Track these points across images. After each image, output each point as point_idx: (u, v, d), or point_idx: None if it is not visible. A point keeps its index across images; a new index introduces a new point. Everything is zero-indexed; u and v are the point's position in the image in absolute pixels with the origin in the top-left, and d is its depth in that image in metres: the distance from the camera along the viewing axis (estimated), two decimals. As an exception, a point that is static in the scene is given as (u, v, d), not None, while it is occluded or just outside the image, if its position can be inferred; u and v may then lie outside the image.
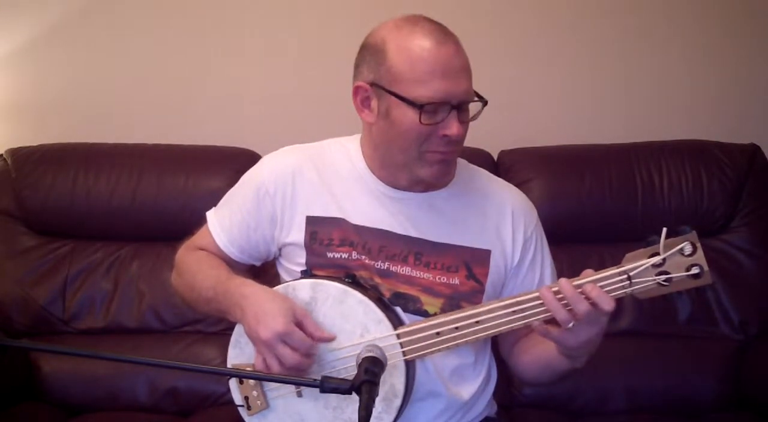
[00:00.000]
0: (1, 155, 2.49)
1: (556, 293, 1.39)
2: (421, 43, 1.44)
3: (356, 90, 1.52)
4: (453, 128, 1.44)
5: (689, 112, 2.70)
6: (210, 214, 1.69)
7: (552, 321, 1.42)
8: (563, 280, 1.39)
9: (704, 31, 2.69)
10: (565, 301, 1.37)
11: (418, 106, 1.43)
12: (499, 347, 1.69)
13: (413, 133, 1.45)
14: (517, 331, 1.51)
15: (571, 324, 1.38)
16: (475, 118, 1.50)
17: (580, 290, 1.38)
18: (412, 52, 1.44)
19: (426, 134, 1.45)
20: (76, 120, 2.69)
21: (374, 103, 1.50)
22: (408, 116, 1.44)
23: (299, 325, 1.44)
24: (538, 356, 1.57)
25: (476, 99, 1.48)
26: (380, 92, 1.47)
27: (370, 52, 1.49)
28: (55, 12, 2.67)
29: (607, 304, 1.36)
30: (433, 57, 1.43)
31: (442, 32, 1.46)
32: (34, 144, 2.50)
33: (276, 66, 2.71)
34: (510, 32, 2.70)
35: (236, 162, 2.36)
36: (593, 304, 1.36)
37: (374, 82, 1.48)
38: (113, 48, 2.70)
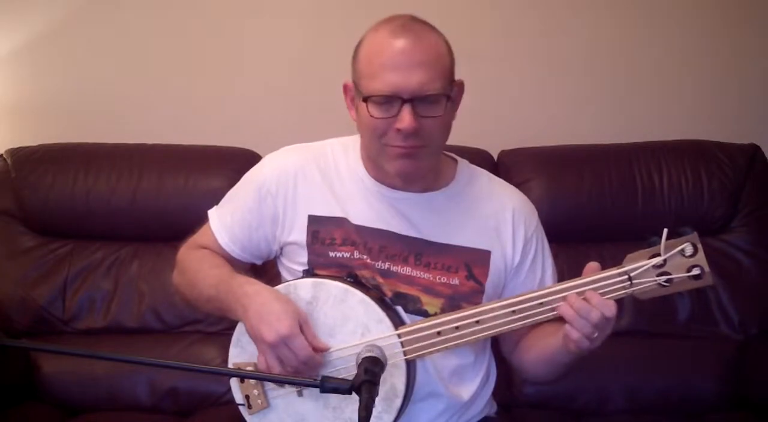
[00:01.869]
0: (1, 155, 2.48)
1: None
2: (380, 38, 1.46)
3: (344, 89, 1.56)
4: (404, 122, 1.43)
5: (689, 112, 2.70)
6: (212, 213, 1.69)
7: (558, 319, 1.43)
8: (572, 295, 1.39)
9: (704, 31, 2.69)
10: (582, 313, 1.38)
11: (364, 99, 1.45)
12: (500, 347, 1.69)
13: (370, 127, 1.47)
14: (518, 330, 1.51)
15: (595, 335, 1.38)
16: (442, 112, 1.46)
17: (583, 298, 1.38)
18: (371, 47, 1.47)
19: (382, 128, 1.46)
20: (76, 120, 2.69)
21: (356, 101, 1.52)
22: (364, 110, 1.47)
23: (300, 329, 1.45)
24: (541, 352, 1.56)
25: (434, 92, 1.44)
26: (355, 89, 1.51)
27: (354, 52, 1.52)
28: (55, 12, 2.67)
29: (608, 311, 1.37)
30: (384, 51, 1.44)
31: (404, 27, 1.46)
32: (34, 144, 2.49)
33: (276, 66, 2.71)
34: (510, 32, 2.70)
35: (236, 162, 2.36)
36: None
37: (353, 79, 1.51)
38: (113, 48, 2.70)
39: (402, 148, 1.47)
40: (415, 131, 1.44)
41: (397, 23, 1.47)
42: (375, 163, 1.55)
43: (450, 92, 1.48)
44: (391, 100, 1.43)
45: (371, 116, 1.45)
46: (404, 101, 1.43)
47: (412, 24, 1.48)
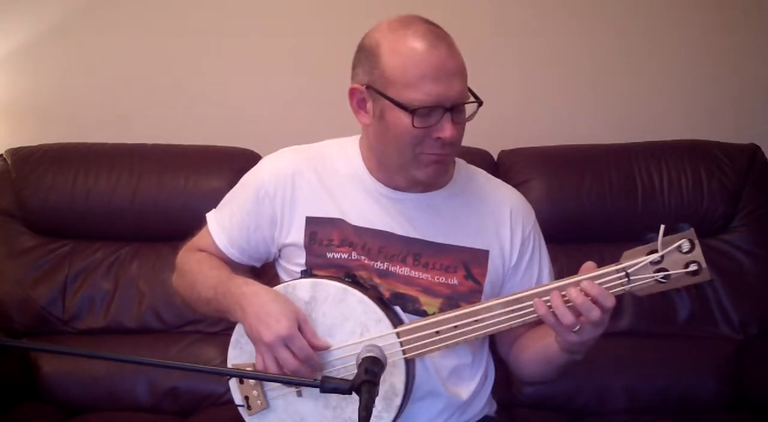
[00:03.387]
0: (1, 155, 2.49)
1: (563, 297, 1.39)
2: (413, 46, 1.44)
3: (352, 92, 1.53)
4: (447, 131, 1.44)
5: (689, 112, 2.70)
6: (210, 216, 1.69)
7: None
8: (573, 289, 1.38)
9: (704, 31, 2.69)
10: (571, 304, 1.37)
11: (411, 110, 1.43)
12: (497, 347, 1.69)
13: (407, 136, 1.46)
14: (515, 330, 1.51)
15: (577, 328, 1.38)
16: (470, 118, 1.50)
17: (580, 289, 1.38)
18: (404, 55, 1.44)
19: (420, 137, 1.45)
20: (76, 120, 2.69)
21: (369, 105, 1.50)
22: (401, 119, 1.44)
23: (299, 329, 1.45)
24: (537, 353, 1.57)
25: (471, 100, 1.48)
26: (375, 95, 1.48)
27: (365, 55, 1.50)
28: (55, 12, 2.67)
29: (609, 301, 1.37)
30: (424, 60, 1.43)
31: (434, 34, 1.45)
32: (34, 144, 2.50)
33: (276, 66, 2.71)
34: (510, 32, 2.70)
35: (236, 162, 2.36)
36: (594, 302, 1.37)
37: (369, 84, 1.49)
38: (113, 48, 2.71)
39: (438, 155, 1.48)
40: (456, 139, 1.46)
41: (420, 29, 1.46)
42: (389, 167, 1.54)
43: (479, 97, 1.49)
44: (432, 110, 1.44)
45: (414, 126, 1.44)
46: (446, 110, 1.44)
47: (435, 30, 1.47)
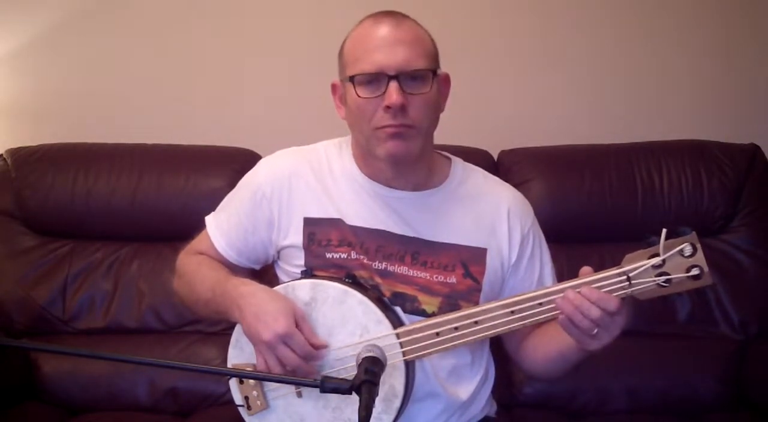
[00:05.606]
0: (1, 155, 2.49)
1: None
2: (361, 29, 1.51)
3: (332, 88, 1.57)
4: (392, 97, 1.44)
5: (689, 112, 2.70)
6: (209, 219, 1.69)
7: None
8: (569, 291, 1.38)
9: (704, 31, 2.69)
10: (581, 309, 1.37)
11: (350, 80, 1.46)
12: (504, 345, 1.68)
13: (358, 110, 1.48)
14: (523, 329, 1.50)
15: (594, 331, 1.38)
16: (429, 89, 1.47)
17: (579, 292, 1.38)
18: (354, 38, 1.51)
19: (371, 109, 1.47)
20: (76, 120, 2.69)
21: (343, 94, 1.54)
22: (352, 94, 1.48)
23: (297, 327, 1.45)
24: (549, 351, 1.56)
25: (420, 67, 1.46)
26: (342, 83, 1.52)
27: (339, 49, 1.55)
28: (55, 12, 2.67)
29: (611, 305, 1.36)
30: (367, 35, 1.49)
31: (385, 14, 1.50)
32: (34, 144, 2.50)
33: (276, 66, 2.71)
34: (510, 33, 2.70)
35: (236, 162, 2.37)
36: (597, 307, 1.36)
37: (340, 75, 1.54)
38: (113, 48, 2.71)
39: (392, 126, 1.46)
40: (403, 107, 1.45)
41: (379, 13, 1.51)
42: (367, 154, 1.55)
43: (435, 68, 1.50)
44: (378, 78, 1.45)
45: (359, 96, 1.46)
46: (390, 78, 1.44)
47: (393, 12, 1.52)
